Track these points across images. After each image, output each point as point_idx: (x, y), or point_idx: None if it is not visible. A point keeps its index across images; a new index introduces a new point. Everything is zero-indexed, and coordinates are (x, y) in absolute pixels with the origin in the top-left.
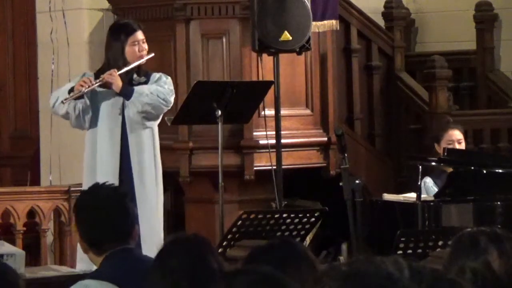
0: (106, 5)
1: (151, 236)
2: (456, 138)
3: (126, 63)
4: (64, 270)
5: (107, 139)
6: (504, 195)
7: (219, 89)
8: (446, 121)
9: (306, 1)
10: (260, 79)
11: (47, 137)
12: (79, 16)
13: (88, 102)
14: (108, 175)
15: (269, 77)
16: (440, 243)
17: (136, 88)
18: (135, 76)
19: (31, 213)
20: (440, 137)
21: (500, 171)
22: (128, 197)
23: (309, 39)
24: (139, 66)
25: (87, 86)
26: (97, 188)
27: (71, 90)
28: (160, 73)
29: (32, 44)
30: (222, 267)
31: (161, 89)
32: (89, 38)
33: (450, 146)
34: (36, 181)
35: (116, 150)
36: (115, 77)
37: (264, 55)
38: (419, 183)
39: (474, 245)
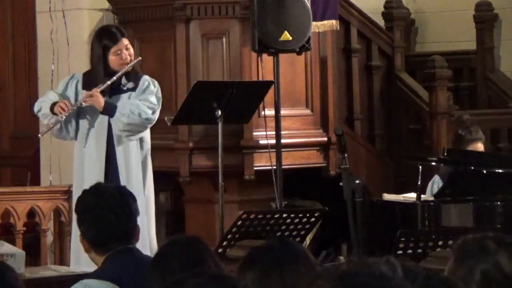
0: (106, 5)
1: None
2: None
3: (109, 72)
4: (64, 270)
5: (94, 153)
6: (504, 195)
7: (219, 89)
8: (474, 130)
9: (306, 1)
10: (260, 79)
11: (47, 137)
12: (79, 16)
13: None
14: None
15: (269, 77)
16: (440, 243)
17: (119, 105)
18: (123, 80)
19: (31, 213)
20: (464, 146)
21: (500, 171)
22: (131, 196)
23: (309, 39)
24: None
25: (65, 113)
26: (100, 187)
27: (53, 104)
28: (149, 80)
29: (32, 44)
30: (220, 268)
31: (143, 107)
32: (89, 38)
33: None
34: (36, 181)
35: (101, 164)
36: (95, 98)
37: (264, 55)
38: (419, 183)
39: (482, 249)
